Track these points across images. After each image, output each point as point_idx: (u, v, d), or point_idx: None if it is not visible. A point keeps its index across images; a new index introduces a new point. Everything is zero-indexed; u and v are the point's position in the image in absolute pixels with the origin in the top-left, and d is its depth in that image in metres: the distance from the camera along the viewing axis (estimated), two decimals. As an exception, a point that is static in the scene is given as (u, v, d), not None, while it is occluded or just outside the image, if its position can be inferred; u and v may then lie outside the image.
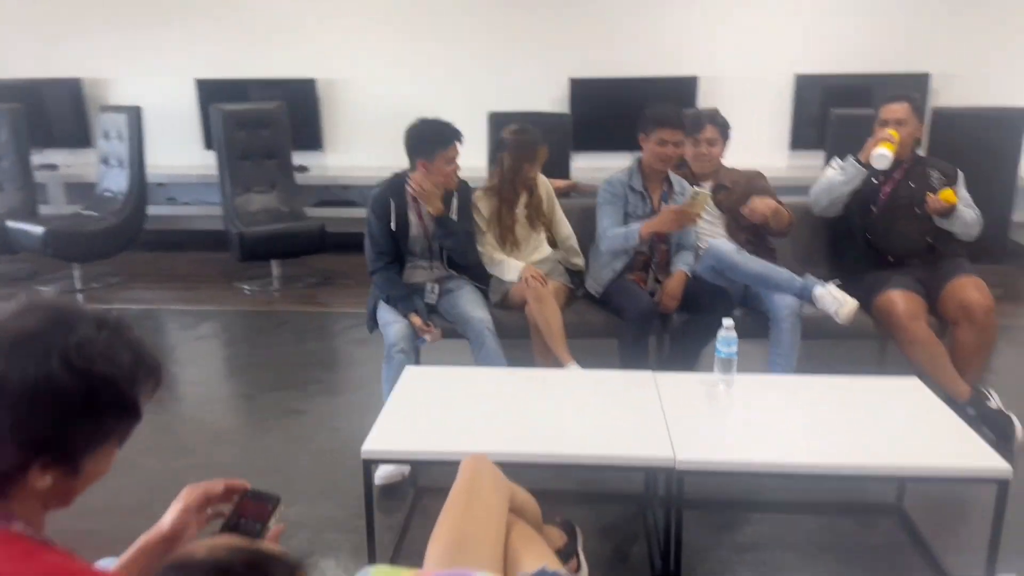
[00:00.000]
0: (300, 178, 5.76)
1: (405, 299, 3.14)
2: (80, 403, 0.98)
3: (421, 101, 5.98)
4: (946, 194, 3.17)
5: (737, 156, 3.62)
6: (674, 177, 3.37)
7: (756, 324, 3.20)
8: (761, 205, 3.21)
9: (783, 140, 5.90)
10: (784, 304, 3.05)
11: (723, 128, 3.46)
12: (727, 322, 2.41)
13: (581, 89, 5.80)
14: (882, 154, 3.15)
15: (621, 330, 3.17)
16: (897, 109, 3.34)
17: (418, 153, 3.13)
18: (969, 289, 3.10)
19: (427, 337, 3.07)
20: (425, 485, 2.76)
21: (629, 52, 5.83)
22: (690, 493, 2.55)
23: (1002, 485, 1.95)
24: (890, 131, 3.24)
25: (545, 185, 3.49)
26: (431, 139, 3.11)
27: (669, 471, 2.01)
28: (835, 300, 2.97)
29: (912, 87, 5.63)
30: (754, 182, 3.50)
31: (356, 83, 6.08)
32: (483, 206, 3.40)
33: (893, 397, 2.37)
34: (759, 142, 5.75)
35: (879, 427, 2.17)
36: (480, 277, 3.41)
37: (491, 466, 1.69)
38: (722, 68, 5.80)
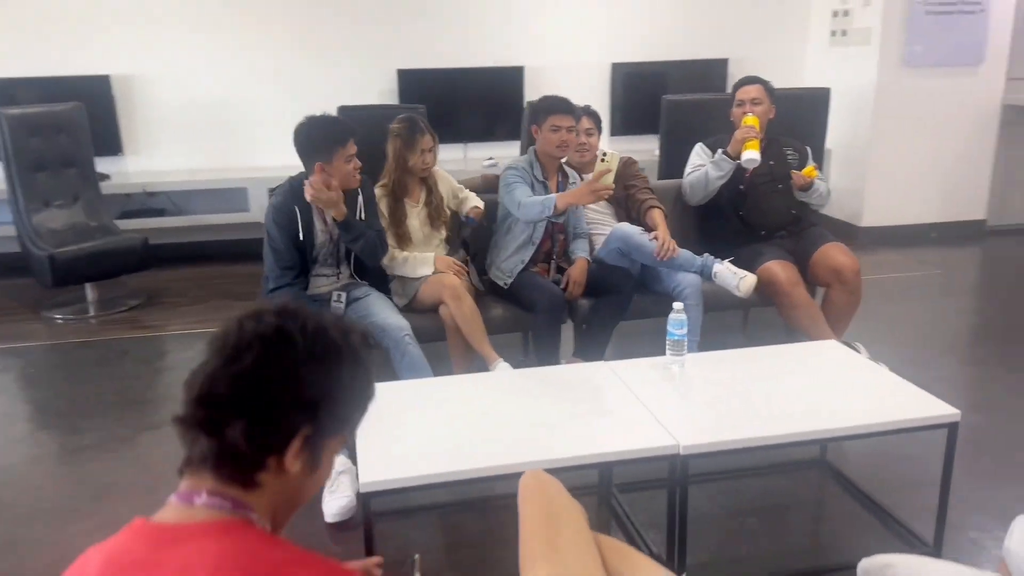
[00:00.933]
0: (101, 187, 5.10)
1: None
2: (346, 366, 1.05)
3: (235, 97, 5.55)
4: (808, 170, 3.48)
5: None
6: (567, 168, 3.40)
7: (656, 304, 3.33)
8: (658, 217, 3.37)
9: (604, 127, 6.12)
10: (688, 282, 3.19)
11: (596, 119, 3.55)
12: (676, 305, 2.46)
13: (410, 80, 5.66)
14: (751, 158, 3.37)
15: (534, 323, 3.16)
16: (751, 90, 3.60)
17: (315, 155, 2.88)
18: (837, 254, 3.43)
19: None
20: (377, 510, 2.57)
21: (457, 42, 5.78)
22: (637, 475, 2.61)
23: (952, 428, 2.18)
24: (749, 119, 3.47)
25: (447, 180, 3.37)
26: (327, 138, 2.88)
27: (674, 457, 2.02)
28: (734, 275, 3.16)
29: (714, 71, 6.14)
30: (629, 168, 3.62)
31: (158, 79, 5.49)
32: (382, 204, 3.23)
33: (825, 361, 2.56)
34: (582, 129, 5.95)
35: (832, 390, 2.33)
36: (380, 282, 3.23)
37: (555, 481, 1.60)
38: (546, 58, 5.93)
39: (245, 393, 0.98)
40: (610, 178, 3.05)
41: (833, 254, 3.43)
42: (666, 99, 4.93)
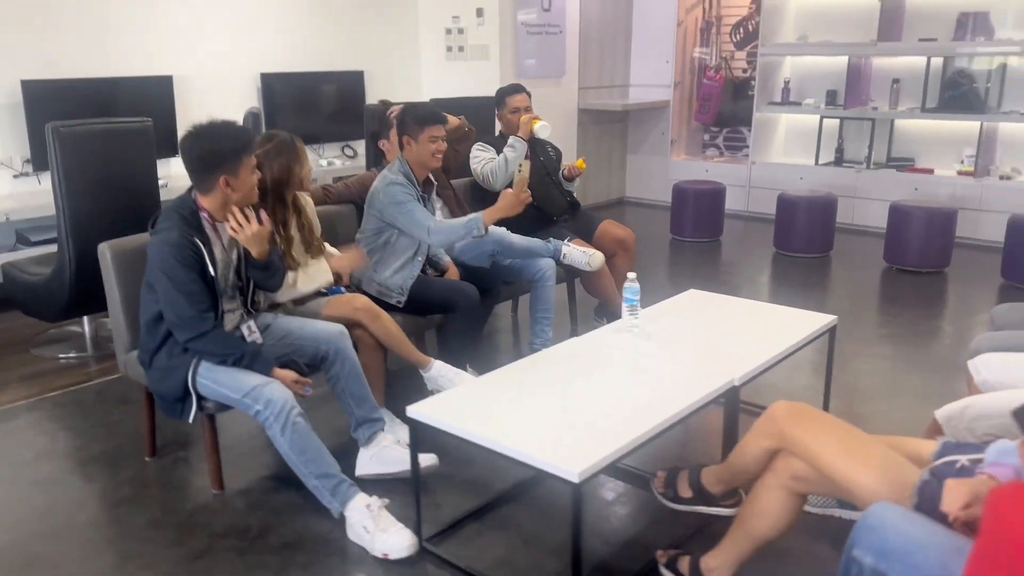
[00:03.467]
0: None
1: (258, 354, 2.50)
2: None
3: None
4: (580, 162, 4.08)
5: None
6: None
7: (508, 291, 3.64)
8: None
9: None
10: (547, 266, 3.52)
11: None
12: (631, 275, 2.83)
13: (37, 92, 4.68)
14: (544, 125, 3.89)
15: (454, 323, 3.18)
16: (523, 98, 4.08)
17: (218, 168, 2.44)
18: (615, 228, 4.11)
19: (310, 389, 2.54)
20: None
21: (94, 50, 4.99)
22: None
23: (832, 331, 3.00)
24: (524, 116, 3.96)
25: (311, 204, 3.09)
26: (233, 146, 2.46)
27: (730, 391, 2.43)
28: (583, 254, 3.60)
29: (354, 81, 6.35)
30: (442, 177, 3.81)
31: None
32: None
33: (713, 305, 3.19)
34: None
35: (748, 326, 2.95)
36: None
37: (803, 404, 1.90)
38: (195, 67, 5.46)
39: None
40: (526, 176, 3.21)
41: (612, 229, 4.11)
42: (366, 107, 5.08)
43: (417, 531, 2.36)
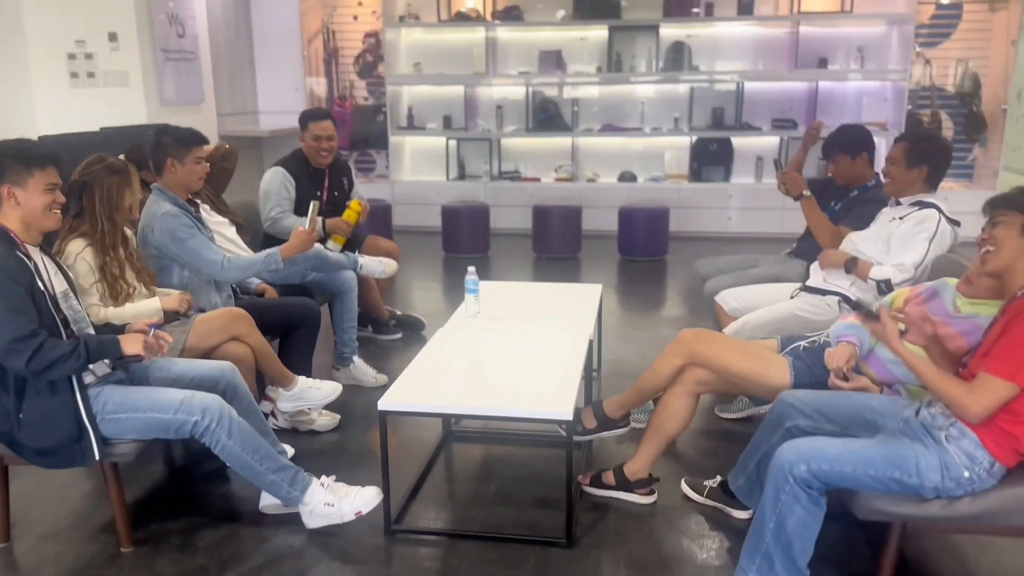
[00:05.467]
0: None
1: (97, 337, 2.31)
2: None
3: None
4: (354, 203, 4.17)
5: None
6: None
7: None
8: None
9: None
10: (350, 278, 3.72)
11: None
12: (471, 268, 3.28)
13: None
14: (332, 249, 3.94)
15: (296, 338, 3.25)
16: (328, 126, 4.14)
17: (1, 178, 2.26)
18: (382, 242, 4.46)
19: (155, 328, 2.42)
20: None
21: None
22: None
23: (600, 296, 3.81)
24: (351, 213, 4.07)
25: (131, 236, 2.89)
26: (19, 157, 2.26)
27: (590, 343, 3.06)
28: (379, 263, 3.87)
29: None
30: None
31: None
32: (87, 258, 2.67)
33: (508, 291, 3.78)
34: None
35: (553, 301, 3.62)
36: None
37: (704, 330, 2.61)
38: None
39: None
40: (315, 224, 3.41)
41: (379, 242, 4.43)
42: (44, 136, 4.58)
43: (387, 518, 2.54)
